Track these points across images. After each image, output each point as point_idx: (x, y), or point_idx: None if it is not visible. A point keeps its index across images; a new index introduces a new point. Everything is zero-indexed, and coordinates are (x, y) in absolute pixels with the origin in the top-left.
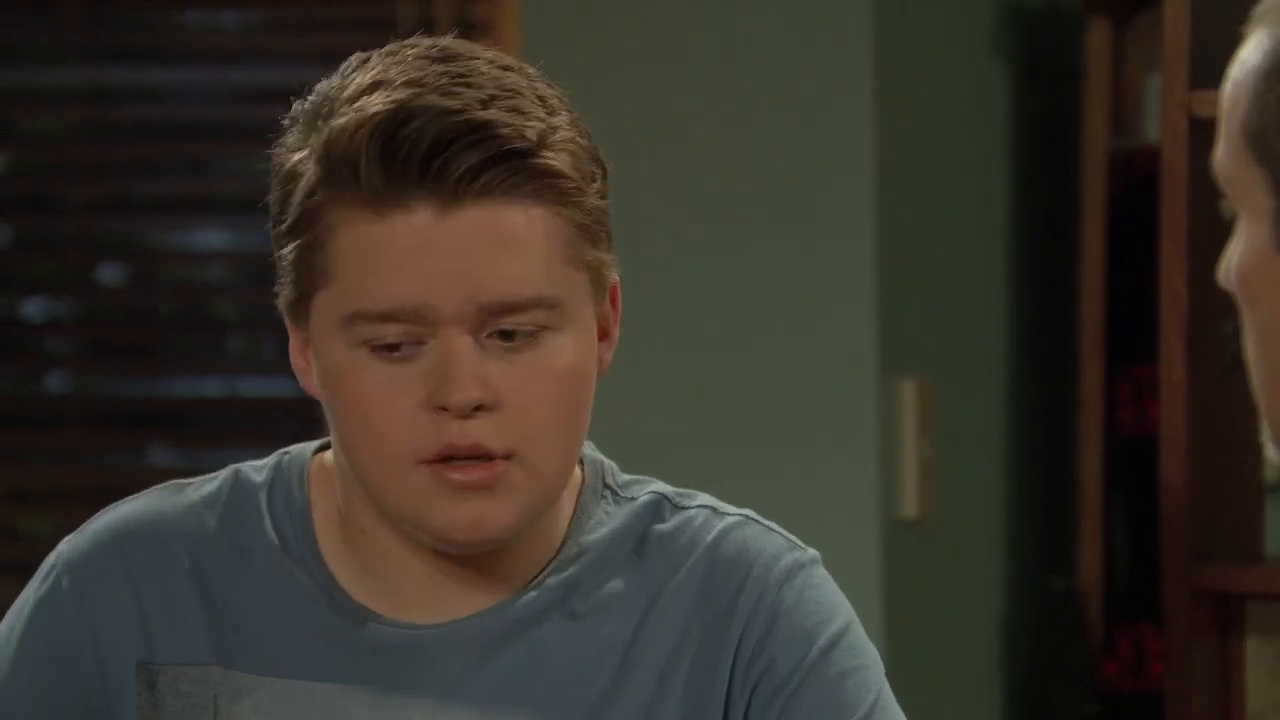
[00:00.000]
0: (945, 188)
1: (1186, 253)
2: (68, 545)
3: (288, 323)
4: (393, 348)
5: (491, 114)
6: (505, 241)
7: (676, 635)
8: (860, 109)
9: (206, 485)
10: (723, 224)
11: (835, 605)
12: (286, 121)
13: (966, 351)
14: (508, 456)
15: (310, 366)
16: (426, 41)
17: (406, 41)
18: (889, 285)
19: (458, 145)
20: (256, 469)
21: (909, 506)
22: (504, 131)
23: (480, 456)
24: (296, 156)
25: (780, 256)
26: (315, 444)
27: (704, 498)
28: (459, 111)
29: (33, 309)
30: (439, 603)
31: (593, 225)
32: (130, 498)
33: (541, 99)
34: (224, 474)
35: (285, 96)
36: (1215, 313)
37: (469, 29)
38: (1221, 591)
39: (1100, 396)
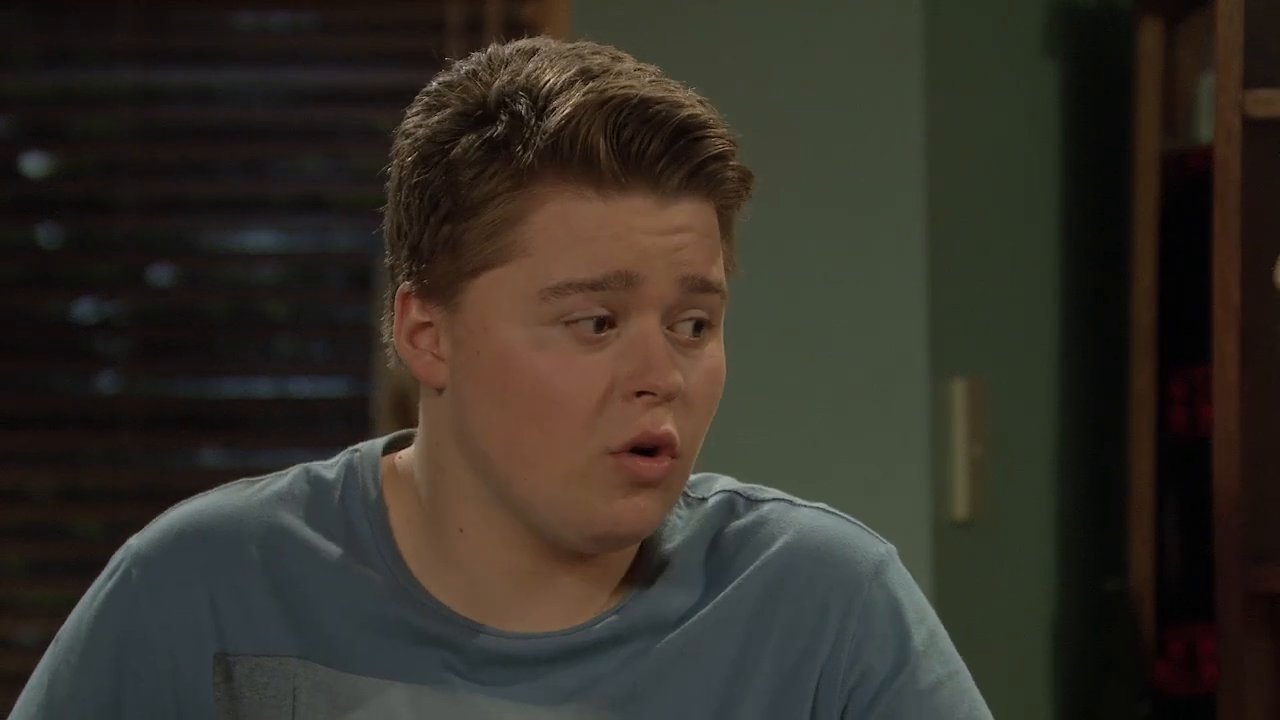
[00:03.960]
0: (997, 188)
1: (1240, 253)
2: (137, 539)
3: (402, 305)
4: (597, 326)
5: (710, 113)
6: (706, 234)
7: (750, 624)
8: (911, 109)
9: (277, 482)
10: (773, 224)
11: (923, 606)
12: (421, 108)
13: (1018, 351)
14: (677, 455)
15: (422, 351)
16: (575, 44)
17: (539, 39)
18: (940, 285)
19: (685, 141)
20: (327, 467)
21: (960, 507)
22: (717, 131)
23: (665, 449)
24: (472, 138)
25: (831, 256)
26: (383, 441)
27: (775, 492)
28: (688, 106)
29: (85, 310)
30: (525, 609)
31: (733, 233)
32: (199, 495)
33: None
34: (294, 471)
35: (336, 97)
36: (1269, 313)
37: (518, 30)
38: (1274, 593)
39: (1152, 397)
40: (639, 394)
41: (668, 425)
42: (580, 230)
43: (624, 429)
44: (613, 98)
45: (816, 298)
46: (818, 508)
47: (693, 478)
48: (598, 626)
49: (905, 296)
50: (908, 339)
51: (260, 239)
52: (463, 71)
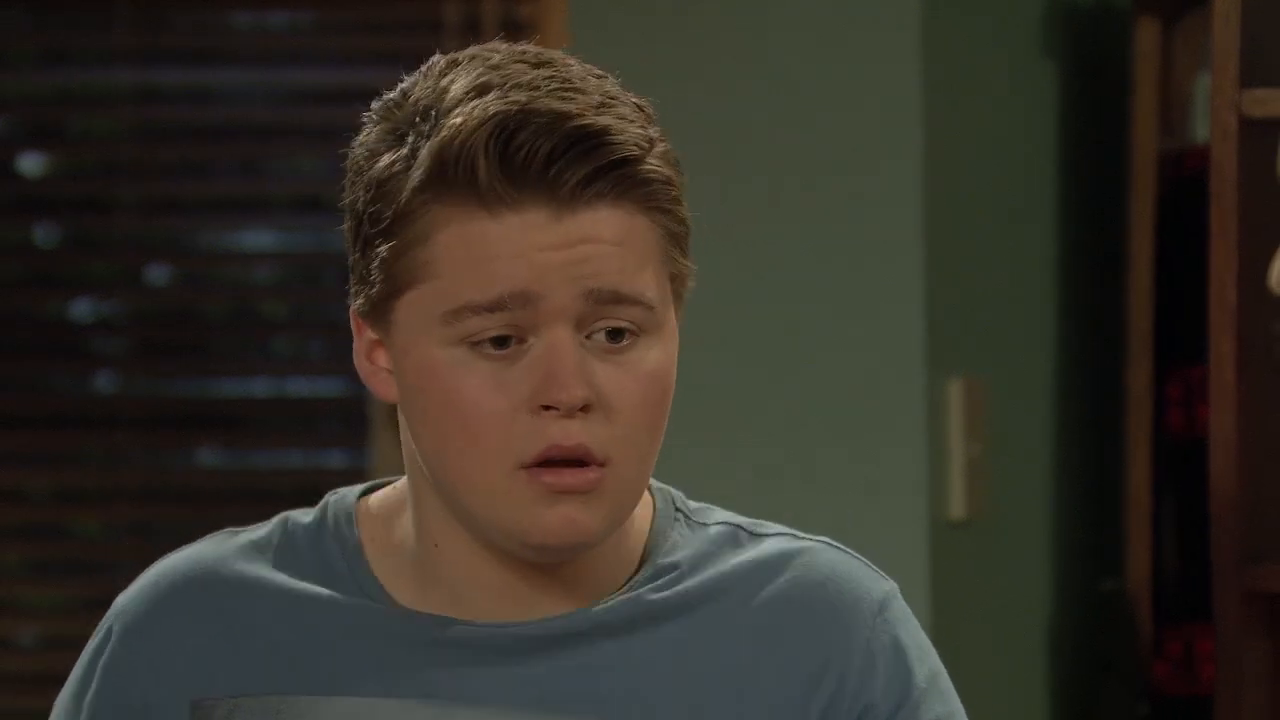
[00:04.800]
0: (994, 187)
1: (1236, 253)
2: (122, 597)
3: (356, 324)
4: (497, 344)
5: (606, 120)
6: (614, 243)
7: (753, 656)
8: (909, 108)
9: (257, 531)
10: (770, 223)
11: (924, 644)
12: (366, 123)
13: (1015, 351)
14: (603, 463)
15: (378, 369)
16: (508, 46)
17: (485, 46)
18: (937, 284)
19: (576, 150)
20: (304, 514)
21: (956, 507)
22: (618, 138)
23: (580, 460)
24: (389, 158)
25: (828, 255)
26: (359, 488)
27: (778, 526)
28: (577, 116)
29: (83, 309)
30: (512, 614)
31: (682, 234)
32: (182, 547)
33: (639, 108)
34: (273, 521)
35: (333, 97)
36: (1266, 313)
37: (515, 29)
38: (1272, 592)
39: (1149, 397)
40: (545, 408)
41: (579, 437)
42: (477, 250)
43: (533, 442)
44: (495, 114)
45: (814, 297)
46: (822, 542)
47: (694, 505)
48: (589, 613)
49: (902, 296)
50: (905, 338)
51: (258, 239)
52: (399, 88)
